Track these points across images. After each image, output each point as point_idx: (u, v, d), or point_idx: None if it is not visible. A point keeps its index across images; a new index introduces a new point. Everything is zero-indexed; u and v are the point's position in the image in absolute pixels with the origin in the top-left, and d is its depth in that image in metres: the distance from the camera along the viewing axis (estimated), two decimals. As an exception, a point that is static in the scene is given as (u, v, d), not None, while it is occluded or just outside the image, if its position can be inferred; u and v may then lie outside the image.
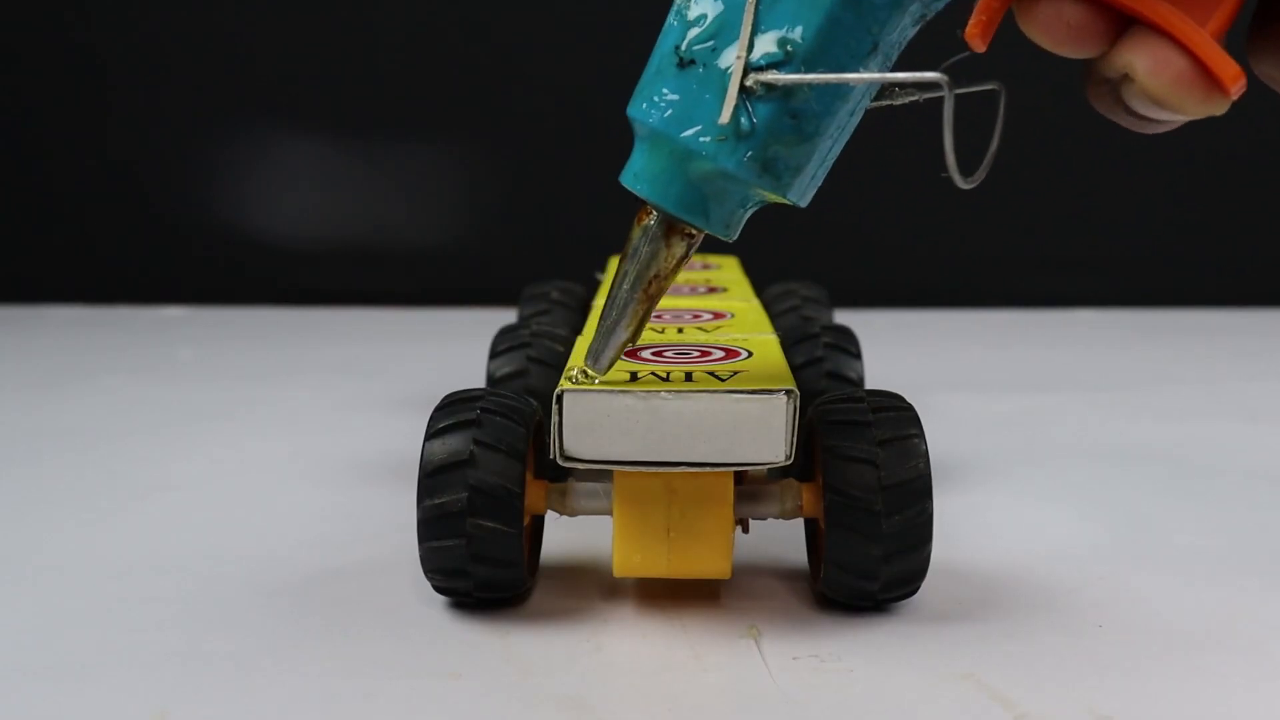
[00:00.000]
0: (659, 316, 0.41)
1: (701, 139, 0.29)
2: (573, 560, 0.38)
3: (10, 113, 0.89)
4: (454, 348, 0.65)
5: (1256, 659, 0.32)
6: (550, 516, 0.37)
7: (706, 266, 0.52)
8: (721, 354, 0.35)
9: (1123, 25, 0.27)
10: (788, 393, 0.32)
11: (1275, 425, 0.57)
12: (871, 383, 0.45)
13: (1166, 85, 0.26)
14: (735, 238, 0.31)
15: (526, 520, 0.34)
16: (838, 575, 0.33)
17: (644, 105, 0.30)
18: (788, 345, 0.44)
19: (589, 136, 0.88)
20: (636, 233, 0.31)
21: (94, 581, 0.37)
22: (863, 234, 0.86)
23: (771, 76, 0.28)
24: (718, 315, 0.41)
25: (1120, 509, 0.45)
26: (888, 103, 0.30)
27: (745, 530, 0.36)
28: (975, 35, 0.27)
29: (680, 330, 0.39)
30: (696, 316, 0.41)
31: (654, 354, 0.35)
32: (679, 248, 0.31)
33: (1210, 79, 0.26)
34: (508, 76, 0.87)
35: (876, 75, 0.28)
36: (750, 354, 0.36)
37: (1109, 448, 0.53)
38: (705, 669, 0.31)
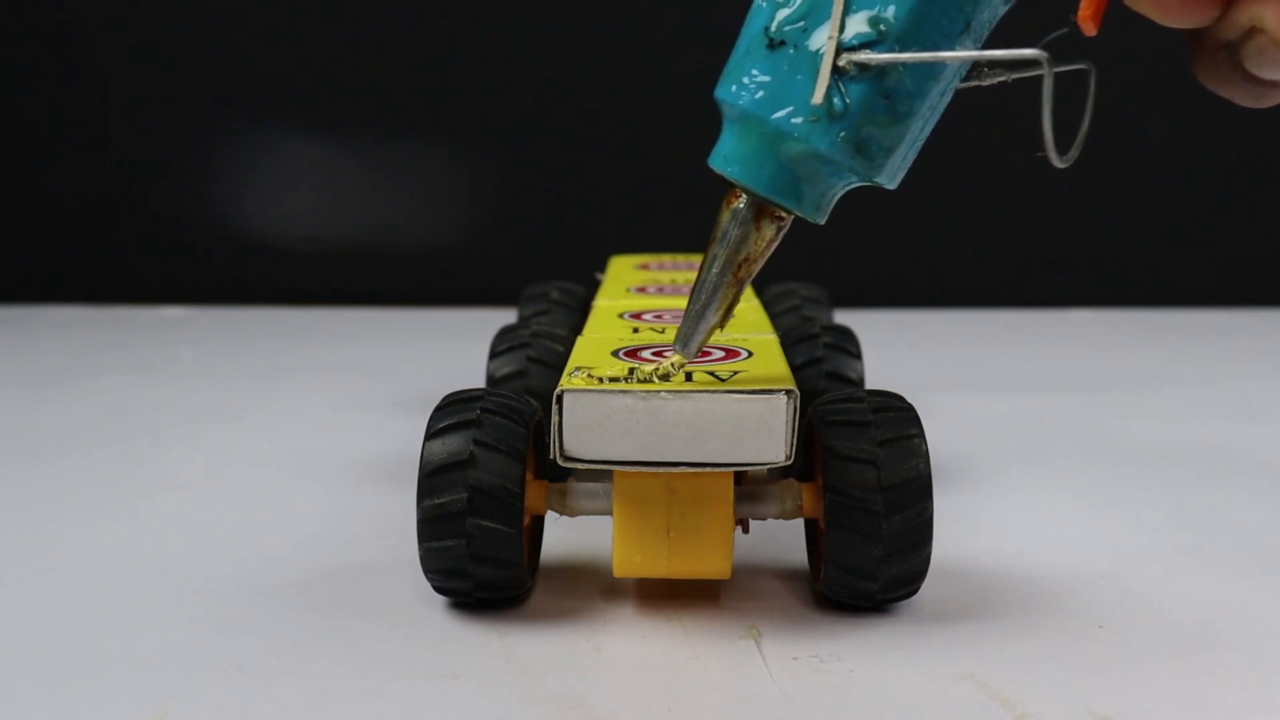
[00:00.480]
0: (659, 316, 0.41)
1: (794, 120, 0.29)
2: (573, 560, 0.38)
3: (10, 113, 0.89)
4: (454, 348, 0.65)
5: (1256, 659, 0.32)
6: (550, 516, 0.37)
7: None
8: (721, 354, 0.35)
9: None
10: (788, 393, 0.32)
11: (1275, 425, 0.57)
12: (871, 383, 0.45)
13: None
14: (824, 220, 0.31)
15: (526, 520, 0.34)
16: (838, 575, 0.33)
17: (733, 87, 0.29)
18: (788, 345, 0.44)
19: (589, 136, 0.88)
20: (725, 216, 0.31)
21: (94, 581, 0.37)
22: (863, 234, 0.86)
23: (865, 56, 0.28)
24: (718, 315, 0.41)
25: (1120, 509, 0.45)
26: (975, 83, 0.29)
27: (745, 530, 0.36)
28: (1088, 18, 0.27)
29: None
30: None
31: (654, 354, 0.35)
32: (769, 230, 0.31)
33: None
34: (508, 76, 0.87)
35: (973, 53, 0.28)
36: (750, 354, 0.36)
37: (1109, 448, 0.53)
38: (705, 669, 0.31)
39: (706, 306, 0.32)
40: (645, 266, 0.52)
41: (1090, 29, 0.27)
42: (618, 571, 0.34)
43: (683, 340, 0.32)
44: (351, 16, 0.87)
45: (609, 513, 0.35)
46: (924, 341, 0.78)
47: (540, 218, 0.89)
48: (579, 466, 0.32)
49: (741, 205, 0.31)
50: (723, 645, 0.33)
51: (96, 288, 0.88)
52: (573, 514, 0.35)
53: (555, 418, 0.32)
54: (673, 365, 0.33)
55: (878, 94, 0.28)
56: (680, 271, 0.51)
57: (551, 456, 0.32)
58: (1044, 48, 0.27)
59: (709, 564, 0.34)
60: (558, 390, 0.32)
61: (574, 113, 0.87)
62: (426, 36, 0.86)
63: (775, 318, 0.48)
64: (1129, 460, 0.51)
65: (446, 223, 0.90)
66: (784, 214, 0.30)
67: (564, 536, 0.39)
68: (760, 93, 0.29)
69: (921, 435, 0.33)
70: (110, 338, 0.79)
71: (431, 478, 0.33)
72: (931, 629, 0.34)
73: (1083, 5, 0.27)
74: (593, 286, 0.50)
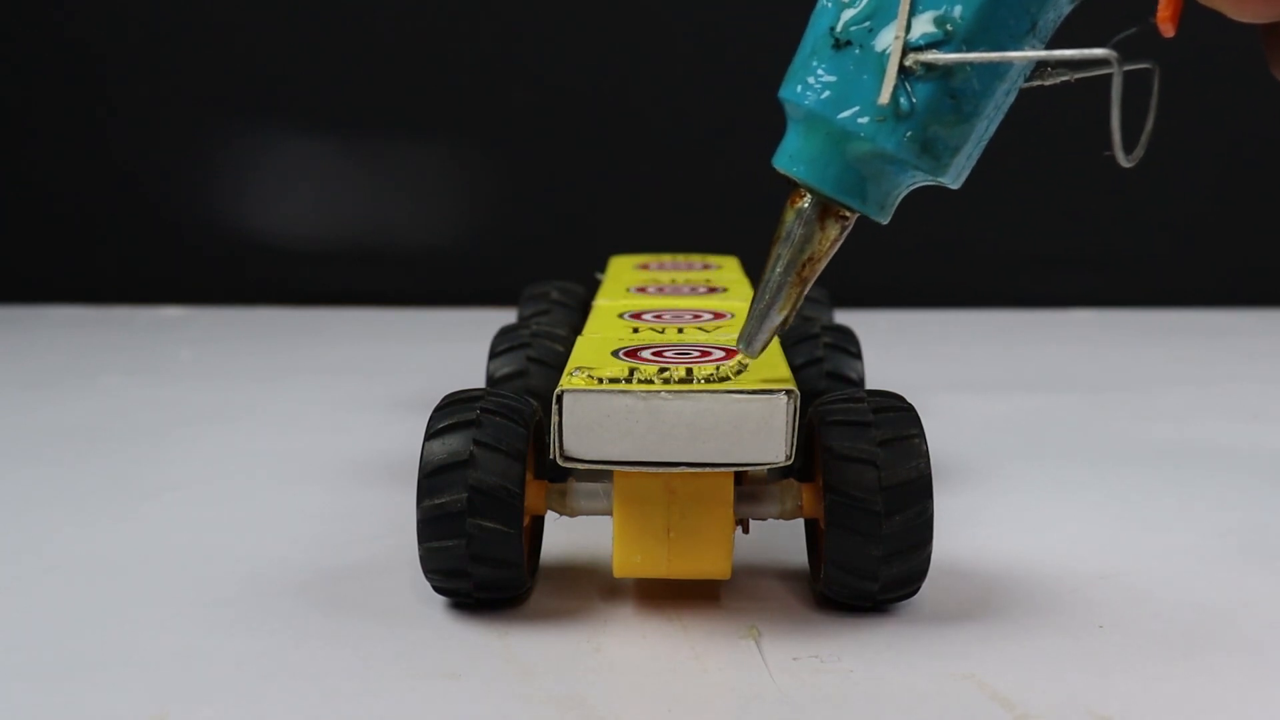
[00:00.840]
0: (659, 316, 0.41)
1: (860, 120, 0.29)
2: (573, 560, 0.38)
3: (10, 113, 0.89)
4: (454, 348, 0.65)
5: (1256, 659, 0.32)
6: (550, 516, 0.37)
7: (706, 266, 0.52)
8: (721, 354, 0.35)
9: None
10: (788, 393, 0.32)
11: (1275, 425, 0.57)
12: (871, 383, 0.45)
13: None
14: (889, 220, 0.31)
15: (526, 520, 0.34)
16: (838, 575, 0.33)
17: (798, 87, 0.29)
18: (788, 345, 0.44)
19: (589, 136, 0.88)
20: (790, 215, 0.31)
21: (94, 581, 0.37)
22: (863, 234, 0.86)
23: (932, 56, 0.28)
24: (718, 315, 0.41)
25: (1120, 509, 0.45)
26: (1039, 82, 0.29)
27: (745, 530, 0.36)
28: (1166, 19, 0.26)
29: (680, 330, 0.39)
30: (696, 316, 0.41)
31: (654, 354, 0.35)
32: (834, 230, 0.31)
33: None
34: (508, 76, 0.87)
35: (1042, 53, 0.28)
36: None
37: (1109, 448, 0.53)
38: (705, 669, 0.31)
39: (770, 306, 0.31)
40: (645, 266, 0.52)
41: (1169, 30, 0.27)
42: (618, 571, 0.34)
43: (746, 339, 0.32)
44: (351, 17, 0.87)
45: (609, 513, 0.35)
46: (924, 341, 0.78)
47: (540, 218, 0.89)
48: (579, 466, 0.32)
49: (806, 205, 0.31)
50: (723, 645, 0.33)
51: (96, 288, 0.88)
52: (573, 514, 0.35)
53: (555, 418, 0.32)
54: (736, 365, 0.33)
55: (944, 94, 0.28)
56: (680, 271, 0.51)
57: (551, 456, 0.32)
58: (1112, 47, 0.27)
59: (709, 564, 0.34)
60: (558, 390, 0.32)
61: (574, 113, 0.87)
62: (426, 36, 0.86)
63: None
64: (1129, 460, 0.51)
65: (446, 223, 0.89)
66: (848, 213, 0.31)
67: (564, 536, 0.39)
68: (826, 93, 0.29)
69: (922, 435, 0.33)
70: (110, 338, 0.79)
71: (431, 478, 0.33)
72: (931, 629, 0.34)
73: (1161, 6, 0.26)
74: (593, 286, 0.50)
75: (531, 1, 0.87)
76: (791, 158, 0.30)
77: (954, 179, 0.30)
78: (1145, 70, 0.29)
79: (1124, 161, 0.28)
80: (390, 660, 0.32)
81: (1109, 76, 0.27)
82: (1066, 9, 0.29)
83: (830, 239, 0.31)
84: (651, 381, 0.32)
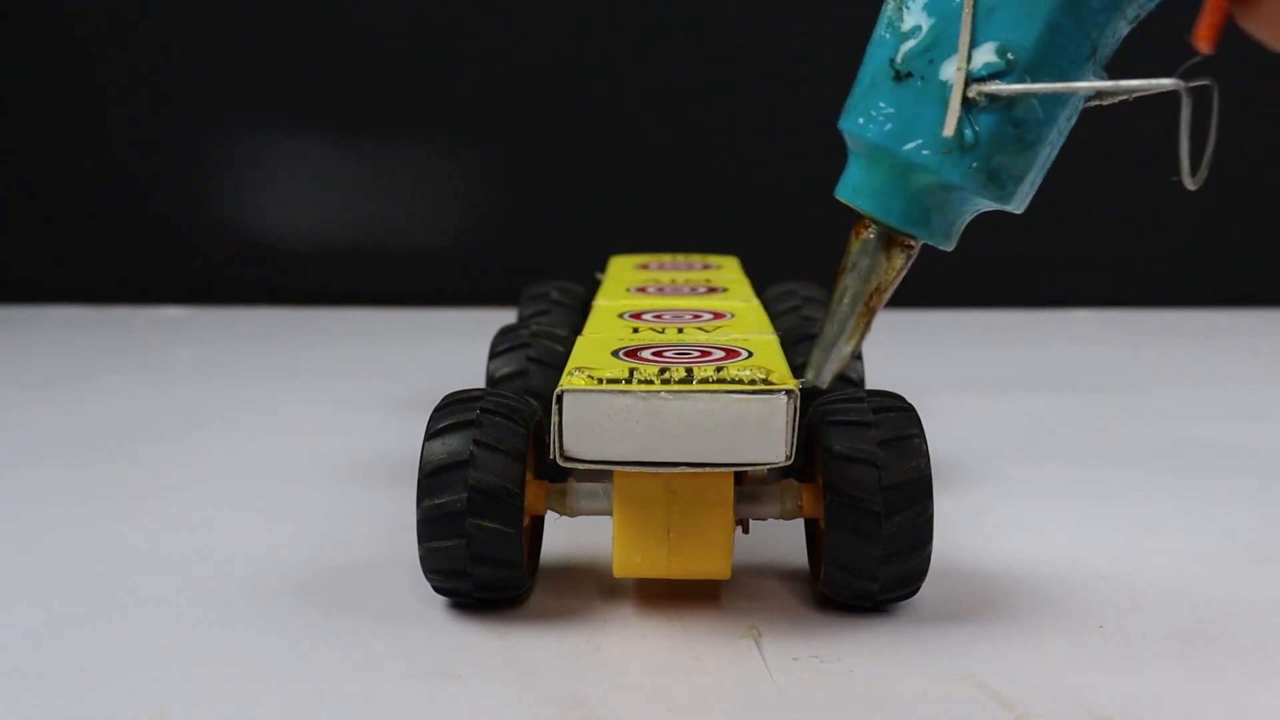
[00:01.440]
0: (659, 316, 0.41)
1: (924, 152, 0.29)
2: (573, 560, 0.38)
3: (10, 112, 0.89)
4: (454, 348, 0.65)
5: (1256, 659, 0.32)
6: (550, 516, 0.37)
7: (707, 266, 0.52)
8: (721, 354, 0.35)
9: None
10: (788, 393, 0.32)
11: (1276, 425, 0.57)
12: (871, 383, 0.45)
13: None
14: (954, 247, 0.31)
15: (526, 520, 0.34)
16: (838, 575, 0.33)
17: (860, 120, 0.29)
18: (788, 345, 0.44)
19: (588, 136, 0.88)
20: (855, 246, 0.31)
21: (94, 581, 0.37)
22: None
23: (995, 87, 0.28)
24: (718, 315, 0.41)
25: (1120, 509, 0.45)
26: (1098, 103, 0.29)
27: (745, 531, 0.36)
28: (1204, 38, 0.27)
29: (680, 330, 0.39)
30: (696, 316, 0.41)
31: (654, 354, 0.35)
32: (899, 259, 0.31)
33: None
34: (508, 76, 0.87)
35: (1107, 83, 0.28)
36: (750, 354, 0.35)
37: (1109, 448, 0.53)
38: (705, 669, 0.31)
39: (838, 336, 0.31)
40: (645, 266, 0.52)
41: (1207, 48, 0.27)
42: (618, 571, 0.34)
43: (815, 369, 0.32)
44: (351, 17, 0.87)
45: (609, 513, 0.35)
46: (924, 341, 0.78)
47: (540, 218, 0.89)
48: (579, 466, 0.32)
49: (872, 236, 0.30)
50: (723, 645, 0.33)
51: (96, 288, 0.88)
52: (573, 514, 0.35)
53: (555, 418, 0.32)
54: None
55: (1007, 124, 0.28)
56: (680, 271, 0.51)
57: (551, 456, 0.32)
58: (1178, 74, 0.27)
59: (709, 564, 0.34)
60: (558, 390, 0.32)
61: (573, 113, 0.87)
62: (426, 36, 0.86)
63: (775, 318, 0.48)
64: (1129, 460, 0.51)
65: (446, 223, 0.89)
66: (913, 242, 0.31)
67: (564, 536, 0.39)
68: (889, 125, 0.29)
69: (922, 435, 0.33)
70: (110, 338, 0.79)
71: (431, 478, 0.33)
72: (931, 629, 0.34)
73: (1200, 25, 0.27)
74: (593, 286, 0.50)
75: (531, 1, 0.87)
76: (855, 190, 0.30)
77: (1019, 205, 0.30)
78: (1205, 88, 0.28)
79: (1190, 185, 0.28)
80: (390, 660, 0.32)
81: (1164, 96, 0.28)
82: (1125, 31, 0.29)
83: (896, 269, 0.31)
84: (651, 382, 0.32)
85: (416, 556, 0.33)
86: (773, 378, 0.32)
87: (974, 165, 0.29)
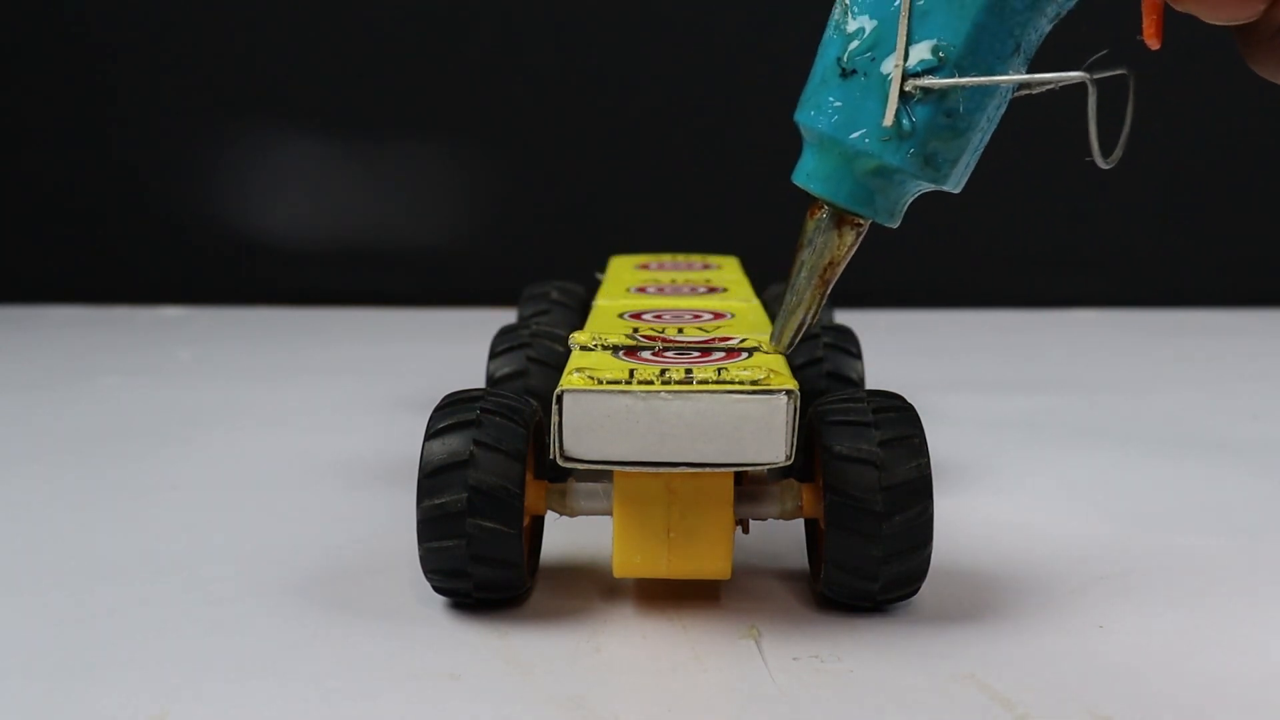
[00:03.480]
0: (659, 316, 0.41)
1: (867, 140, 0.32)
2: (573, 560, 0.38)
3: (10, 113, 0.89)
4: (454, 348, 0.65)
5: (1257, 660, 0.32)
6: (550, 516, 0.37)
7: (706, 266, 0.52)
8: (722, 354, 0.35)
9: None
10: (788, 393, 0.32)
11: (1276, 425, 0.57)
12: (871, 383, 0.45)
13: None
14: (898, 224, 0.34)
15: (526, 520, 0.34)
16: (838, 576, 0.33)
17: (812, 112, 0.33)
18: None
19: (589, 136, 0.88)
20: (810, 226, 0.34)
21: (94, 581, 0.37)
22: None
23: (928, 81, 0.31)
24: (718, 315, 0.41)
25: (1121, 509, 0.45)
26: (1026, 92, 0.32)
27: (745, 531, 0.36)
28: (1151, 35, 0.29)
29: (680, 330, 0.39)
30: (696, 316, 0.41)
31: (654, 354, 0.35)
32: (849, 236, 0.34)
33: None
34: (508, 76, 0.87)
35: (1024, 76, 0.32)
36: (750, 354, 0.35)
37: (1109, 448, 0.53)
38: (705, 669, 0.31)
39: (797, 306, 0.35)
40: (645, 266, 0.52)
41: (1154, 44, 0.29)
42: (618, 572, 0.34)
43: (776, 337, 0.35)
44: (351, 17, 0.87)
45: (609, 513, 0.35)
46: (924, 341, 0.78)
47: (540, 218, 0.89)
48: (579, 466, 0.32)
49: (824, 216, 0.34)
50: (723, 645, 0.33)
51: (96, 288, 0.88)
52: (573, 514, 0.35)
53: (555, 418, 0.32)
54: (754, 370, 0.34)
55: (940, 113, 0.32)
56: (680, 271, 0.51)
57: (551, 456, 0.32)
58: (1087, 65, 0.31)
59: (709, 564, 0.34)
60: (558, 390, 0.32)
61: (573, 113, 0.87)
62: (426, 36, 0.86)
63: (775, 318, 0.48)
64: (1129, 460, 0.51)
65: (447, 223, 0.89)
66: (861, 221, 0.34)
67: (564, 536, 0.39)
68: (836, 117, 0.32)
69: (922, 435, 0.33)
70: (110, 338, 0.79)
71: (431, 478, 0.33)
72: (931, 629, 0.34)
73: (1145, 25, 0.29)
74: (593, 286, 0.50)
75: (531, 2, 0.87)
76: (809, 175, 0.34)
77: (955, 185, 0.33)
78: (1122, 76, 0.32)
79: (1103, 164, 0.31)
80: (390, 660, 0.32)
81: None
82: (1047, 28, 0.32)
83: (847, 244, 0.34)
84: (651, 382, 0.32)
85: (416, 556, 0.33)
86: (773, 378, 0.32)
87: (912, 151, 0.32)
